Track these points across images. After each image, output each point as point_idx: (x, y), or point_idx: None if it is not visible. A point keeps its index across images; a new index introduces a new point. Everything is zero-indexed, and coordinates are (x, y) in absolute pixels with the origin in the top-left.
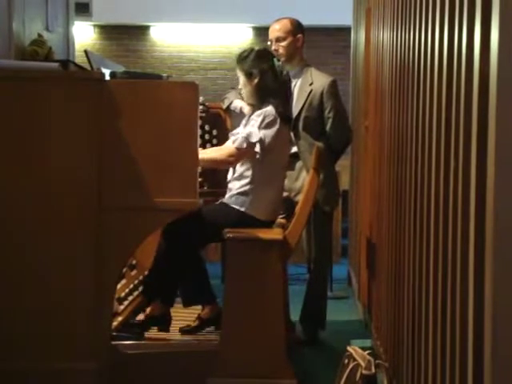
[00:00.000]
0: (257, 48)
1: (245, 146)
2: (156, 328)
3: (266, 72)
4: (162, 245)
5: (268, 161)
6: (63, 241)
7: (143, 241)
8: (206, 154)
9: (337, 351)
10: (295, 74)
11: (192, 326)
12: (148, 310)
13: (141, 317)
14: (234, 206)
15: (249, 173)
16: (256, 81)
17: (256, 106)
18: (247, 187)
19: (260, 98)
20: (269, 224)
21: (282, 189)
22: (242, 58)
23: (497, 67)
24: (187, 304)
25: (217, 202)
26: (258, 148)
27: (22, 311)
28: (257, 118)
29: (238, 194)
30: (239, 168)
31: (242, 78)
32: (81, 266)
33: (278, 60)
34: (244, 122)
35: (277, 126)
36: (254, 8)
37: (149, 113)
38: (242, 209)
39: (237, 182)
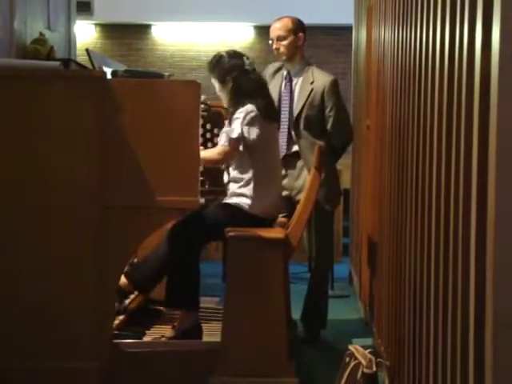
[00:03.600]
0: (225, 52)
1: (227, 143)
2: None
3: (238, 75)
4: (167, 249)
5: (259, 158)
6: (65, 240)
7: (145, 239)
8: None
9: (338, 350)
10: (296, 73)
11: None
12: (177, 323)
13: (171, 333)
14: (235, 205)
15: (243, 174)
16: (230, 86)
17: (234, 110)
18: (245, 188)
19: (237, 102)
20: (271, 221)
21: (280, 184)
22: (213, 64)
23: (498, 65)
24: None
25: (217, 203)
26: (240, 146)
27: (23, 310)
28: (239, 115)
29: (238, 195)
30: (232, 171)
31: (216, 85)
32: (83, 264)
33: (248, 58)
34: (227, 122)
35: (260, 123)
36: (255, 7)
37: (150, 111)
38: (245, 207)
39: (234, 185)
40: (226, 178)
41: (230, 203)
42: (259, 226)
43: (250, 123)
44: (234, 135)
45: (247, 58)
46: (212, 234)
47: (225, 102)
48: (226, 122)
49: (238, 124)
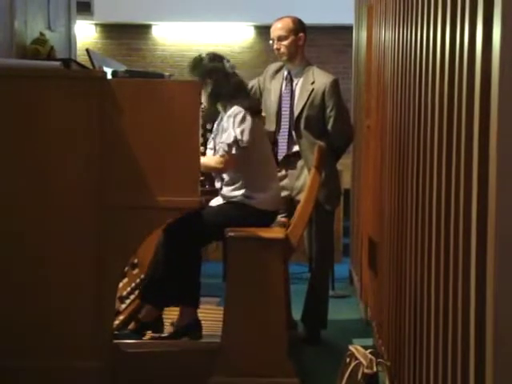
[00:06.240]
0: (205, 54)
1: (227, 149)
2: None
3: (219, 78)
4: (164, 246)
5: (251, 156)
6: (65, 240)
7: (145, 239)
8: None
9: (338, 350)
10: (297, 73)
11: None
12: (176, 320)
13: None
14: (236, 201)
15: (237, 174)
16: (210, 88)
17: (213, 109)
18: (243, 190)
19: (215, 103)
20: (275, 214)
21: (275, 176)
22: (192, 66)
23: (498, 65)
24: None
25: (222, 203)
26: (234, 149)
27: (23, 310)
28: (228, 121)
29: (236, 196)
30: (227, 175)
31: None
32: (82, 264)
33: (228, 61)
34: (216, 129)
35: (249, 121)
36: (255, 7)
37: (150, 111)
38: (253, 204)
39: (229, 187)
40: (218, 184)
41: (230, 201)
42: (268, 221)
43: (240, 124)
44: (230, 140)
45: (228, 61)
46: (219, 234)
47: (204, 103)
48: (215, 126)
49: (231, 129)
